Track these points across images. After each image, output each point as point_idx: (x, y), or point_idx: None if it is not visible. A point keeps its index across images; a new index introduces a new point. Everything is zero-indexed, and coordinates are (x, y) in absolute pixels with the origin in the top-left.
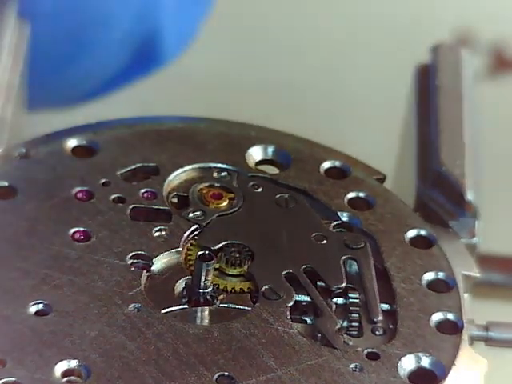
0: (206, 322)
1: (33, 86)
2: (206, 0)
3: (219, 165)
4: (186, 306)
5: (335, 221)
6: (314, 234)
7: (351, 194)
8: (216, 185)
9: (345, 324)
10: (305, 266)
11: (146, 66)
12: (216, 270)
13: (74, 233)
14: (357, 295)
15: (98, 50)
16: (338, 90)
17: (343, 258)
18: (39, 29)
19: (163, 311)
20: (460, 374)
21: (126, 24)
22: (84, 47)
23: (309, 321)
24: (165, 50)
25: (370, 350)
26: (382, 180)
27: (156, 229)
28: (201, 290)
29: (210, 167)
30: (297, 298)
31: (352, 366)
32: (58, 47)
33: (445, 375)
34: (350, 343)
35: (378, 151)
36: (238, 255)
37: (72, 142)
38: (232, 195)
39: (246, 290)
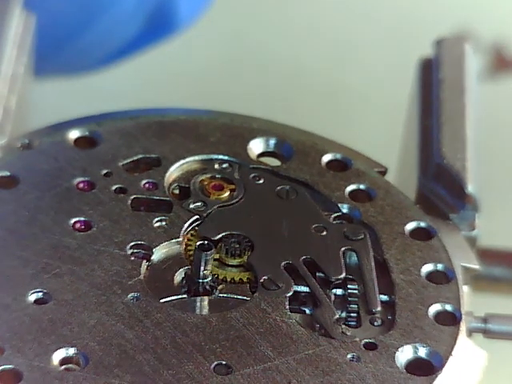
0: (205, 311)
1: (45, 52)
2: None
3: (221, 156)
4: (185, 296)
5: (335, 212)
6: (314, 226)
7: (352, 186)
8: (217, 176)
9: (343, 314)
10: (304, 257)
11: (158, 33)
12: (216, 260)
13: (75, 222)
14: (356, 286)
15: (109, 16)
16: (341, 84)
17: (343, 249)
18: None
19: (162, 300)
20: (458, 365)
21: None
22: (96, 13)
23: (307, 311)
24: (178, 16)
25: (367, 340)
26: (384, 173)
27: (156, 219)
28: (200, 280)
29: (211, 159)
30: (296, 289)
31: (349, 355)
32: (70, 14)
33: (442, 365)
34: (348, 333)
35: (381, 144)
36: (237, 246)
37: (75, 133)
38: (233, 187)
39: (245, 280)
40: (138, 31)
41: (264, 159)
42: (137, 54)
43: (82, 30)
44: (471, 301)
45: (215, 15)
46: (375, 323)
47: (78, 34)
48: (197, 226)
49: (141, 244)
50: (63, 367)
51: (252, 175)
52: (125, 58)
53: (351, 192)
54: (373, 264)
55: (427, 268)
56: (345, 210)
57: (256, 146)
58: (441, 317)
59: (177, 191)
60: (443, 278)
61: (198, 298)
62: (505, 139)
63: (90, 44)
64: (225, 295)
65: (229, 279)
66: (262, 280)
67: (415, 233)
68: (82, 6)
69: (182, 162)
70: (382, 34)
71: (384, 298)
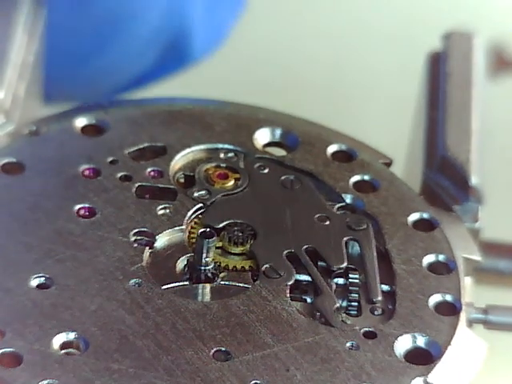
0: (207, 298)
1: (56, 78)
2: (237, 0)
3: (226, 146)
4: (186, 283)
5: (339, 203)
6: (317, 215)
7: (356, 177)
8: (222, 165)
9: (344, 303)
10: (306, 246)
11: (174, 64)
12: (219, 248)
13: (79, 209)
14: (357, 276)
15: (123, 44)
16: (350, 76)
17: (345, 239)
18: (65, 20)
19: (164, 287)
20: (457, 355)
21: (154, 19)
22: (109, 41)
23: (308, 300)
24: (194, 48)
25: (367, 328)
26: (389, 164)
27: (160, 207)
28: (202, 268)
29: (217, 148)
30: (297, 277)
31: (348, 344)
32: (83, 39)
33: (440, 355)
34: (348, 322)
35: (390, 136)
36: (240, 234)
37: (82, 121)
38: (238, 176)
39: (247, 268)
40: (152, 60)
41: (270, 149)
42: (151, 83)
43: (95, 57)
44: (474, 293)
45: None
46: (375, 312)
47: (90, 60)
48: (201, 214)
49: (144, 231)
50: (63, 351)
51: (257, 165)
52: (137, 88)
53: (355, 183)
54: (375, 254)
55: (429, 259)
56: (348, 201)
57: (262, 136)
58: (441, 307)
59: (182, 179)
60: (444, 269)
61: (200, 285)
62: (505, 139)
63: (102, 72)
64: (226, 283)
65: (231, 267)
66: (263, 268)
67: (418, 224)
68: (95, 32)
69: (188, 150)
70: (392, 26)
71: (385, 287)
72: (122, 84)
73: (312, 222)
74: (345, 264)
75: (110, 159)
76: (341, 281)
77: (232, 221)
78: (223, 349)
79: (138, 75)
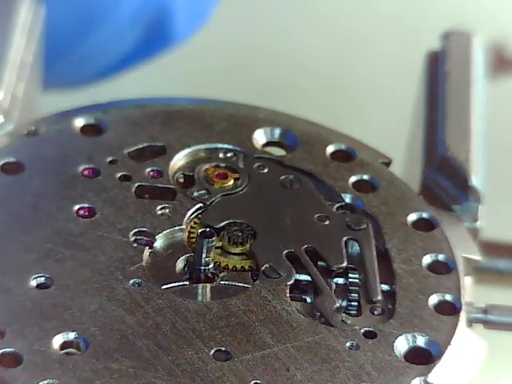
0: (206, 298)
1: (43, 64)
2: None
3: (226, 145)
4: (186, 283)
5: (339, 202)
6: (316, 215)
7: (356, 177)
8: (222, 165)
9: (344, 303)
10: (306, 246)
11: (156, 46)
12: (219, 248)
13: (79, 209)
14: (357, 275)
15: (107, 27)
16: (349, 76)
17: (345, 238)
18: (49, 7)
19: (164, 287)
20: (457, 355)
21: (135, 1)
22: (93, 25)
23: (308, 299)
24: (176, 29)
25: (367, 328)
26: (388, 163)
27: (160, 206)
28: (202, 267)
29: (216, 148)
30: (297, 277)
31: (348, 343)
32: (68, 25)
33: (440, 355)
34: (348, 322)
35: (389, 135)
36: (240, 234)
37: (81, 121)
38: (237, 175)
39: (246, 268)
40: (135, 44)
41: (269, 149)
42: (134, 66)
43: (79, 42)
44: (474, 292)
45: (220, 9)
46: (375, 312)
47: (74, 45)
48: (200, 213)
49: (144, 231)
50: (63, 351)
51: (256, 164)
52: (122, 70)
53: (355, 182)
54: (374, 254)
55: (428, 258)
56: (348, 200)
57: (261, 136)
58: (441, 307)
59: (181, 179)
60: (444, 269)
61: (200, 285)
62: (505, 139)
63: (87, 56)
64: (226, 282)
65: (231, 267)
66: (263, 268)
67: (417, 223)
68: (79, 17)
69: (187, 150)
70: (391, 26)
71: (385, 287)
72: (105, 67)
73: (312, 221)
74: (344, 264)
75: (110, 159)
76: (340, 280)
77: (232, 220)
78: (223, 349)
79: (120, 58)
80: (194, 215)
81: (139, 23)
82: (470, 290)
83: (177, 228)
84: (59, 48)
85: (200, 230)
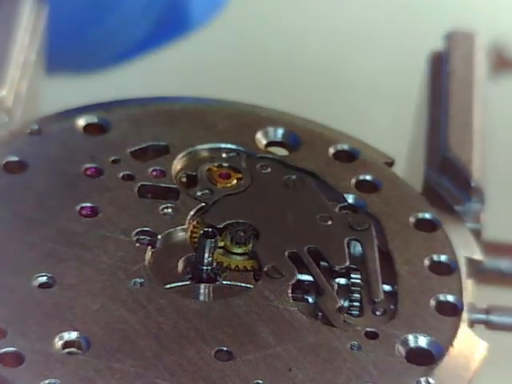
0: (209, 298)
1: (54, 49)
2: None
3: (229, 145)
4: (188, 283)
5: (341, 203)
6: (319, 215)
7: (358, 177)
8: (224, 165)
9: (346, 304)
10: (308, 246)
11: (170, 33)
12: (221, 248)
13: (82, 208)
14: (359, 276)
15: (119, 13)
16: (352, 76)
17: (347, 239)
18: None
19: (166, 287)
20: (458, 355)
21: None
22: (106, 10)
23: (310, 300)
24: (191, 16)
25: (368, 329)
26: (391, 164)
27: (163, 206)
28: (204, 267)
29: (219, 147)
30: (299, 277)
31: (350, 344)
32: (80, 10)
33: (442, 355)
34: (350, 322)
35: (391, 136)
36: (242, 234)
37: (84, 120)
38: (240, 175)
39: (249, 268)
40: (148, 30)
41: (272, 149)
42: (148, 52)
43: (92, 27)
44: (476, 293)
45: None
46: (377, 313)
47: (88, 30)
48: (203, 213)
49: (146, 230)
50: (65, 351)
51: (259, 164)
52: (135, 56)
53: (357, 182)
54: (377, 254)
55: (431, 259)
56: (350, 201)
57: (264, 136)
58: (443, 307)
59: (184, 179)
60: (446, 269)
61: (202, 285)
62: (505, 138)
63: (100, 41)
64: (228, 282)
65: (233, 267)
66: (265, 268)
67: (420, 224)
68: (92, 2)
69: (190, 150)
70: (394, 26)
71: (387, 288)
72: (120, 52)
73: (314, 221)
74: (347, 264)
75: (113, 158)
76: (343, 281)
77: (234, 220)
78: (225, 349)
79: (135, 43)
80: (196, 215)
81: (154, 8)
82: (472, 291)
83: (179, 228)
84: (74, 33)
85: (203, 230)
